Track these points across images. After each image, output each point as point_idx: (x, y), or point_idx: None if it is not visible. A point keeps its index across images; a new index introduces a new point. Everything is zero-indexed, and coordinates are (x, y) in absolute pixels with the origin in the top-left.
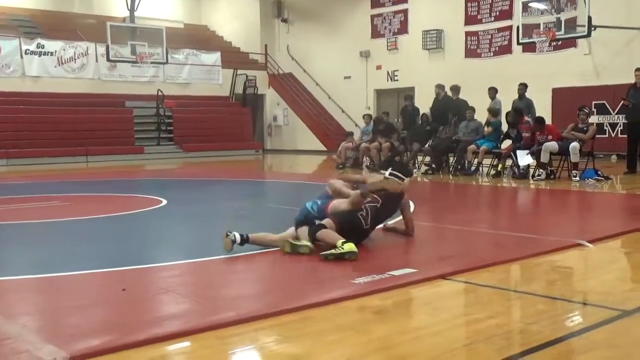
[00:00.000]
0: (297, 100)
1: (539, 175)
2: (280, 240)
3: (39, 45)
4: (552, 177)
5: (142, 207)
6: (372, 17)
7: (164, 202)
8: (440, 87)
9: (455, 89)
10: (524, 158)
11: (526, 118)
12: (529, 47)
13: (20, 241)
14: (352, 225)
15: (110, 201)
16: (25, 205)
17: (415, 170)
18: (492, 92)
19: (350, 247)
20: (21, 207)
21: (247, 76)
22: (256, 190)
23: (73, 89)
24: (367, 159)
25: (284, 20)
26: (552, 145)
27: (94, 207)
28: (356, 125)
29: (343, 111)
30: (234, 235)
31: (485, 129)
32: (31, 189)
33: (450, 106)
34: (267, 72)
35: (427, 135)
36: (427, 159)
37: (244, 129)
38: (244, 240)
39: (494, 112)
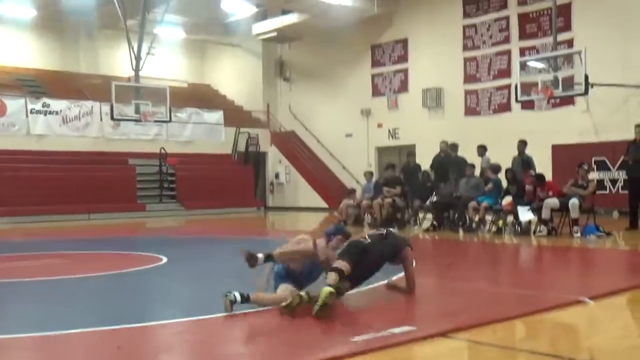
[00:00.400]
0: (299, 157)
1: (540, 231)
2: (280, 298)
3: (44, 105)
4: (553, 233)
5: (142, 264)
6: (373, 76)
7: (165, 259)
8: (445, 143)
9: (453, 146)
10: (525, 214)
11: (531, 172)
12: (528, 105)
13: (17, 299)
14: (362, 252)
15: (111, 259)
16: (25, 263)
17: (416, 227)
18: (481, 150)
19: (325, 291)
20: (21, 265)
21: (249, 134)
22: (257, 248)
23: (77, 147)
24: (369, 216)
25: (286, 79)
26: (553, 201)
27: (93, 265)
28: (358, 182)
29: (344, 168)
30: (234, 296)
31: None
32: (32, 247)
33: (450, 163)
34: (270, 130)
35: (428, 191)
36: (429, 215)
37: (246, 186)
38: (245, 299)
39: (494, 169)
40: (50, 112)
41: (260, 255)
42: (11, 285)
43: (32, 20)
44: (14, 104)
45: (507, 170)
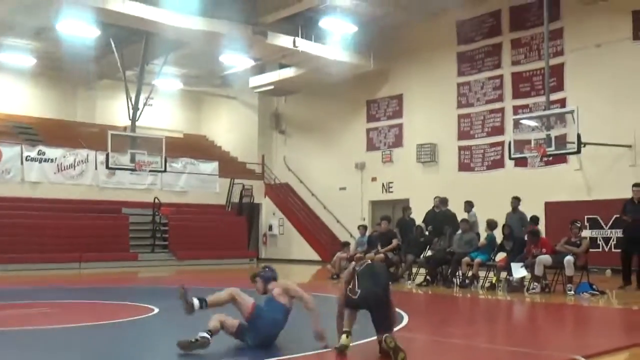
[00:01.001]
0: (293, 209)
1: (533, 288)
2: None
3: (39, 152)
4: (547, 290)
5: (133, 315)
6: (368, 130)
7: (156, 310)
8: (439, 198)
9: (443, 201)
10: (518, 271)
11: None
12: (521, 162)
13: (3, 349)
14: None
15: (102, 309)
16: (13, 311)
17: (409, 282)
18: (468, 205)
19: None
20: (9, 314)
21: (243, 185)
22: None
23: (71, 195)
24: None
25: (282, 132)
26: (546, 258)
27: (84, 314)
28: (351, 235)
29: (338, 221)
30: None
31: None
32: (22, 295)
33: (441, 218)
34: (264, 182)
35: (422, 246)
36: (422, 270)
37: (239, 237)
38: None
39: (490, 225)
40: (45, 160)
41: (195, 302)
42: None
43: (31, 69)
44: (10, 151)
45: (504, 226)
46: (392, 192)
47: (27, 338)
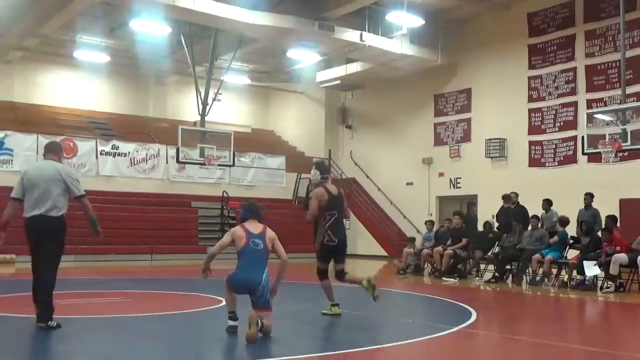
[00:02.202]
0: (359, 204)
1: (607, 287)
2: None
3: (113, 147)
4: (621, 289)
5: (203, 306)
6: (436, 125)
7: (223, 302)
8: (515, 194)
9: (507, 197)
10: (591, 269)
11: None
12: (595, 158)
13: (81, 336)
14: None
15: (172, 299)
16: (90, 300)
17: (477, 278)
18: (546, 204)
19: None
20: (86, 302)
21: (310, 180)
22: (315, 293)
23: (143, 189)
24: (429, 265)
25: (348, 127)
26: (622, 257)
27: (155, 304)
28: (417, 231)
29: (405, 217)
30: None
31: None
32: (96, 285)
33: (516, 214)
34: (330, 177)
35: (491, 242)
36: (491, 267)
37: (306, 232)
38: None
39: (563, 222)
40: (119, 154)
41: None
42: (76, 321)
43: (106, 66)
44: (85, 146)
45: (580, 222)
46: (459, 187)
47: (103, 326)
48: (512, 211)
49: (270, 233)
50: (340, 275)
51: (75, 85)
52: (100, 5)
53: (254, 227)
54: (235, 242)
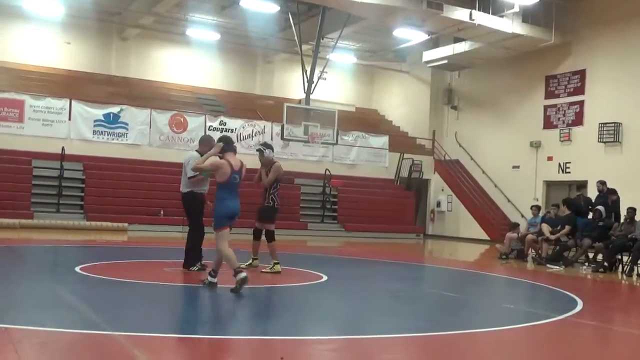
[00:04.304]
0: (462, 187)
1: None
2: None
3: (221, 122)
4: None
5: (304, 281)
6: (546, 107)
7: (325, 277)
8: (602, 182)
9: (601, 183)
10: None
11: None
12: None
13: (189, 303)
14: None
15: (275, 273)
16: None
17: (585, 267)
18: None
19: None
20: (193, 273)
21: (413, 160)
22: (415, 273)
23: (248, 165)
24: (533, 251)
25: (454, 108)
26: None
27: (259, 277)
28: (522, 216)
29: (509, 201)
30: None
31: None
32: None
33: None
34: (434, 158)
35: (600, 231)
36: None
37: (407, 212)
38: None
39: None
40: (226, 130)
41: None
42: (183, 289)
43: (216, 44)
44: (195, 121)
45: None
46: (569, 172)
47: (210, 296)
48: (605, 199)
49: (244, 167)
50: (273, 236)
51: (187, 63)
52: None
53: (235, 162)
54: (218, 172)
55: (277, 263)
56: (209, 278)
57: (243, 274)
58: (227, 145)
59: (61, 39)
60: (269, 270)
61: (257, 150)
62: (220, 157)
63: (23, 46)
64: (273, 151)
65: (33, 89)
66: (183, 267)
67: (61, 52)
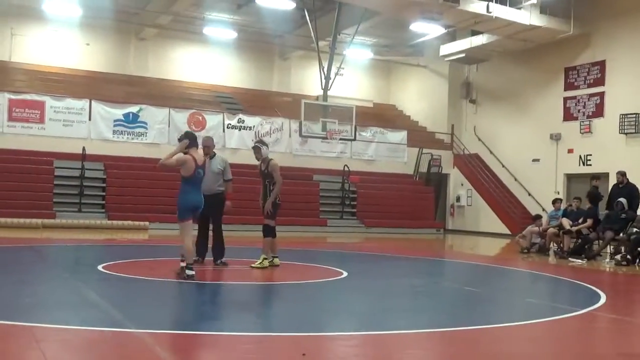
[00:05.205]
0: (482, 181)
1: None
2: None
3: (239, 120)
4: None
5: (324, 277)
6: (565, 99)
7: (345, 274)
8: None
9: (621, 174)
10: None
11: None
12: None
13: (215, 301)
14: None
15: (296, 269)
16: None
17: (607, 260)
18: None
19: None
20: (217, 270)
21: (432, 155)
22: (435, 268)
23: (244, 162)
24: (555, 245)
25: (472, 101)
26: None
27: (280, 274)
28: (543, 209)
29: (529, 194)
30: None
31: None
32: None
33: (629, 193)
34: (453, 152)
35: (623, 223)
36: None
37: (426, 207)
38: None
39: None
40: (244, 128)
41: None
42: (205, 287)
43: (233, 42)
44: (213, 119)
45: None
46: (590, 165)
47: (233, 291)
48: (626, 189)
49: (206, 162)
50: (273, 232)
51: (204, 61)
52: None
53: (199, 157)
54: (184, 167)
55: (266, 259)
56: (187, 272)
57: (192, 272)
58: (192, 141)
59: (80, 40)
60: (258, 264)
61: (252, 147)
62: (185, 153)
63: (43, 48)
64: (268, 148)
65: (53, 90)
66: (213, 262)
67: (80, 53)
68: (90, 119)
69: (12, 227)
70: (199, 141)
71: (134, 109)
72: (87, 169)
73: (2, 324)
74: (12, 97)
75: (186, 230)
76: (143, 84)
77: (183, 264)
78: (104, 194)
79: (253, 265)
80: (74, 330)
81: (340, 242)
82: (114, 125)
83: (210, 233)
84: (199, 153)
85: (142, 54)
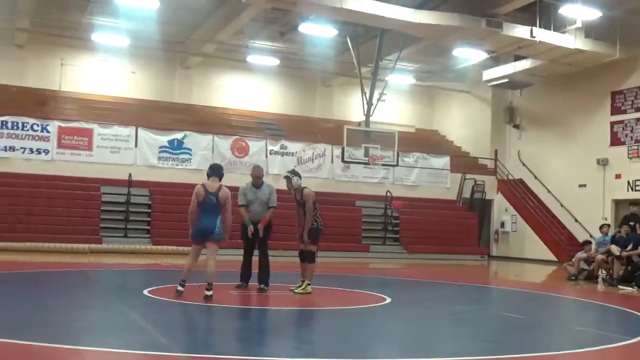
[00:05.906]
0: (527, 207)
1: None
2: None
3: (282, 146)
4: None
5: (368, 303)
6: (612, 123)
7: (388, 300)
8: None
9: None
10: None
11: None
12: None
13: (253, 326)
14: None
15: (339, 295)
16: (267, 294)
17: None
18: None
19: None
20: (255, 295)
21: (475, 181)
22: (480, 295)
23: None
24: (603, 271)
25: (516, 126)
26: None
27: (323, 299)
28: (591, 235)
29: (576, 220)
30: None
31: None
32: (274, 279)
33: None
34: (496, 178)
35: None
36: None
37: (470, 233)
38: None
39: None
40: (287, 154)
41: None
42: (249, 312)
43: (275, 69)
44: (256, 145)
45: None
46: (639, 190)
47: (280, 317)
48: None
49: (224, 192)
50: (313, 257)
51: (247, 88)
52: (272, 11)
53: (212, 185)
54: (197, 197)
55: (309, 284)
56: (178, 288)
57: (181, 289)
58: (211, 171)
59: (127, 69)
60: (302, 290)
61: (284, 177)
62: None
63: (91, 77)
64: (300, 178)
65: (101, 118)
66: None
67: (127, 82)
68: (136, 146)
69: (61, 251)
70: (248, 170)
71: (178, 135)
72: (132, 195)
73: (52, 347)
74: (62, 124)
75: (190, 253)
76: (187, 111)
77: (210, 292)
78: (149, 219)
79: (296, 290)
80: (121, 354)
81: (383, 268)
82: (159, 152)
83: (256, 259)
84: (215, 181)
85: (186, 81)
